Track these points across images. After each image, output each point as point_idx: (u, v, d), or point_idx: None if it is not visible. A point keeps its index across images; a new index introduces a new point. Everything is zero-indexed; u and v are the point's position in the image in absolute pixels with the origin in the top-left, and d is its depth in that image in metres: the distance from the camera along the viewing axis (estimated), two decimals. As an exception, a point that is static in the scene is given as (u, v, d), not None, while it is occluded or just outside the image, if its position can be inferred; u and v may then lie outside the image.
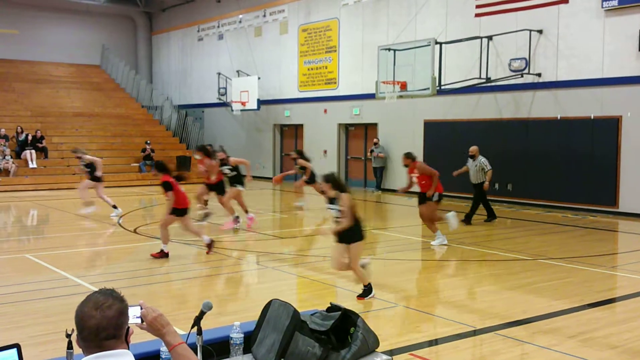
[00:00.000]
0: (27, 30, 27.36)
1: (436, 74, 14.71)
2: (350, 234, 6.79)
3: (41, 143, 21.50)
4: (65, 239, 11.56)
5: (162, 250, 9.24)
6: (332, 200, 6.75)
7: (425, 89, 14.91)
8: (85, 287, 7.38)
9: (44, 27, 27.87)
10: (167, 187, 9.07)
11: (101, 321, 2.19)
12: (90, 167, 13.60)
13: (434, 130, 17.81)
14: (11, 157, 20.38)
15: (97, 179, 13.61)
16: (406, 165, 10.44)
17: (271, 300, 3.61)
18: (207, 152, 12.47)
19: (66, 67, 28.34)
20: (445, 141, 17.14)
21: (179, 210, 9.25)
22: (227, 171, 12.03)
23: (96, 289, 2.31)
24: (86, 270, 8.69)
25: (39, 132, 21.79)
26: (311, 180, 14.61)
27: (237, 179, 12.16)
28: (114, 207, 13.48)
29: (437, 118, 17.69)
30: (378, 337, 3.63)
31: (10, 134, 21.31)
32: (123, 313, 2.27)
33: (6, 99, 24.11)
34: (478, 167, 12.74)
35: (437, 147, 17.45)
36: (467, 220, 12.64)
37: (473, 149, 12.95)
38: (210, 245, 9.47)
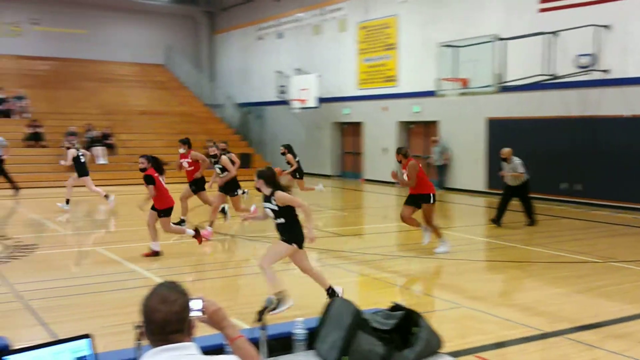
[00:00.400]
0: (95, 31, 28.26)
1: (499, 71, 14.39)
2: (290, 235, 6.24)
3: (108, 140, 22.21)
4: (134, 232, 11.87)
5: (151, 250, 9.08)
6: (267, 198, 6.27)
7: (487, 86, 14.60)
8: (153, 280, 7.55)
9: (111, 27, 28.73)
10: (149, 180, 8.87)
11: (167, 315, 2.22)
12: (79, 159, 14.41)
13: (497, 128, 17.42)
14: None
15: (83, 174, 14.44)
16: (399, 162, 9.65)
17: (334, 298, 3.59)
18: (187, 143, 11.68)
19: (132, 66, 29.13)
20: (509, 139, 16.70)
21: (163, 211, 9.05)
22: (217, 170, 10.90)
23: (167, 281, 2.34)
24: (153, 263, 8.89)
25: (107, 129, 22.52)
26: (299, 175, 15.40)
27: (232, 182, 10.96)
28: (67, 202, 14.14)
29: (501, 116, 17.29)
30: (442, 338, 3.56)
31: (81, 131, 22.08)
32: (187, 307, 2.30)
33: (76, 97, 24.99)
34: (513, 169, 12.04)
35: (501, 146, 17.03)
36: (531, 222, 12.27)
37: (505, 151, 12.24)
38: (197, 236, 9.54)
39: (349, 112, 22.62)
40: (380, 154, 21.34)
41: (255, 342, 3.25)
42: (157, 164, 9.04)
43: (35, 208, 15.07)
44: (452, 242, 9.86)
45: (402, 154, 9.57)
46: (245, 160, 23.83)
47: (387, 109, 21.02)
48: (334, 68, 23.01)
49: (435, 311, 6.47)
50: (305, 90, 22.87)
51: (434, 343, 3.51)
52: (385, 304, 3.85)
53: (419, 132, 20.57)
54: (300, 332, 3.43)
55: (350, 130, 23.24)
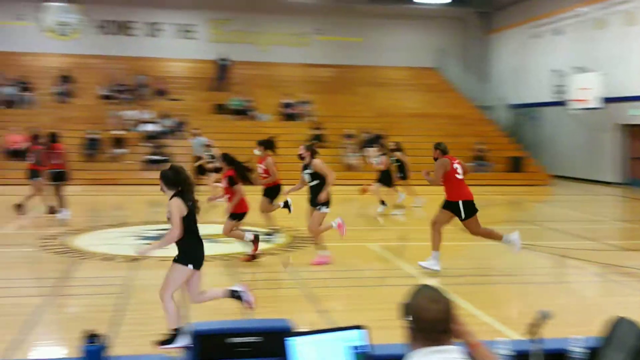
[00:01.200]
0: (370, 37, 29.71)
1: None
2: (182, 252, 5.20)
3: (381, 141, 23.20)
4: (402, 231, 12.24)
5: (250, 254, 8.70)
6: None
7: None
8: (417, 280, 7.68)
9: (385, 34, 29.93)
10: (232, 182, 8.41)
11: (437, 315, 2.25)
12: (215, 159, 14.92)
13: None
14: (355, 154, 22.49)
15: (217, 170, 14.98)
16: (435, 159, 8.28)
17: (618, 318, 3.27)
18: (269, 147, 10.28)
19: (403, 70, 30.01)
20: None
21: (238, 215, 8.58)
22: (306, 177, 8.61)
23: (429, 283, 2.35)
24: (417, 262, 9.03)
25: (380, 131, 23.58)
26: (402, 174, 14.59)
27: (318, 193, 8.50)
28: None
29: None
30: None
31: (356, 134, 23.47)
32: (453, 308, 2.30)
33: (351, 102, 26.59)
34: None
35: None
36: None
37: None
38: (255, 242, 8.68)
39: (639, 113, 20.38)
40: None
41: (525, 355, 3.10)
42: (239, 167, 8.58)
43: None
44: None
45: (440, 149, 8.25)
46: (516, 164, 22.99)
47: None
48: (620, 65, 20.92)
49: None
50: (585, 90, 21.21)
51: None
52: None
53: None
54: (578, 349, 3.19)
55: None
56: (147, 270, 8.19)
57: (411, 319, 2.30)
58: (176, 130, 22.58)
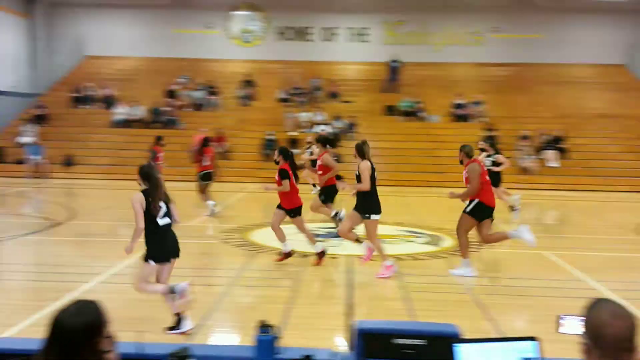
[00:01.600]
0: (551, 34, 28.16)
1: None
2: (146, 248, 5.54)
3: (560, 143, 21.92)
4: (585, 240, 11.46)
5: (283, 253, 8.57)
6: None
7: None
8: (599, 292, 7.14)
9: (568, 29, 28.21)
10: (283, 175, 8.19)
11: (620, 331, 2.10)
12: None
13: None
14: (531, 157, 21.43)
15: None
16: (461, 162, 8.14)
17: None
18: (326, 143, 10.13)
19: (589, 68, 28.08)
20: None
21: (293, 211, 8.34)
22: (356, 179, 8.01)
23: (610, 296, 2.18)
24: (603, 274, 8.40)
25: (559, 133, 22.29)
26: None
27: (367, 199, 7.73)
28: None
29: None
30: None
31: (533, 135, 22.39)
32: (637, 325, 2.13)
33: (530, 101, 25.37)
34: None
35: None
36: None
37: None
38: (321, 255, 8.50)
39: None
40: None
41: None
42: (292, 161, 8.52)
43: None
44: None
45: (465, 152, 8.14)
46: None
47: None
48: None
49: None
50: None
51: None
52: None
53: None
54: None
55: None
56: (317, 266, 8.47)
57: (590, 334, 2.16)
58: (347, 131, 23.09)
